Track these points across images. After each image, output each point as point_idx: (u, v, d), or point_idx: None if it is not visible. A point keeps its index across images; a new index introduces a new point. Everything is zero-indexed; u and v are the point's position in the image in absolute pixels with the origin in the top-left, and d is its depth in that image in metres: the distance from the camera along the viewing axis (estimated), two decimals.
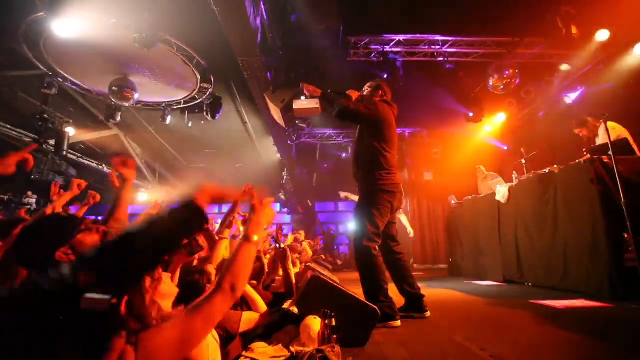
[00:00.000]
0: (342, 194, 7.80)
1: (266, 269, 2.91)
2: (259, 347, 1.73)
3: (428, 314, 2.81)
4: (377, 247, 2.74)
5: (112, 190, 1.87)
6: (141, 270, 0.83)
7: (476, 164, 8.67)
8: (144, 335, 0.83)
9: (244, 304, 2.03)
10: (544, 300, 3.22)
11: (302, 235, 7.83)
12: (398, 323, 2.59)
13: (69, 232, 1.26)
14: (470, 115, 7.67)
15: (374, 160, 2.86)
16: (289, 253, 2.85)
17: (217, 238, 2.53)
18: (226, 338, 1.64)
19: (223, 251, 2.44)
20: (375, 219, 2.74)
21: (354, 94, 3.11)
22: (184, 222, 0.89)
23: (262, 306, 1.85)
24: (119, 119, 7.85)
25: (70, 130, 8.41)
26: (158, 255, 0.85)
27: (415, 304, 2.85)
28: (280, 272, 3.06)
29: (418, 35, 6.20)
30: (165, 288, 1.46)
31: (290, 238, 6.94)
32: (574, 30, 5.23)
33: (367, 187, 2.86)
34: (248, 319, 1.70)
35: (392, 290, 2.76)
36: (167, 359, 0.86)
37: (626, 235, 3.01)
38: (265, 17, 5.16)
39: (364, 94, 3.18)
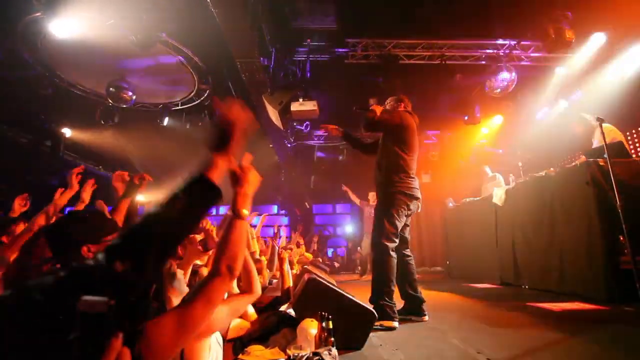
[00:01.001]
0: (344, 187, 8.06)
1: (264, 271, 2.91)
2: (256, 350, 1.73)
3: (426, 318, 2.86)
4: (394, 247, 2.83)
5: (107, 192, 1.86)
6: (167, 253, 0.83)
7: (474, 166, 8.72)
8: (148, 325, 0.83)
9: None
10: (540, 302, 3.23)
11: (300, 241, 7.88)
12: (395, 325, 2.63)
13: (104, 234, 1.29)
14: (468, 118, 7.70)
15: (395, 164, 2.99)
16: (285, 256, 2.85)
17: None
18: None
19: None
20: (394, 219, 2.85)
21: (377, 108, 3.25)
22: (200, 197, 0.87)
23: (253, 316, 1.83)
24: (116, 120, 7.82)
25: (66, 131, 8.38)
26: (181, 236, 0.85)
27: (414, 307, 2.91)
28: (278, 274, 3.05)
29: (416, 38, 6.22)
30: (179, 285, 1.46)
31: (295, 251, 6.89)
32: (570, 34, 5.27)
33: (387, 189, 2.97)
34: (237, 326, 1.69)
35: (396, 292, 2.80)
36: (169, 346, 0.85)
37: (621, 238, 3.02)
38: (263, 19, 5.17)
39: (387, 107, 3.34)
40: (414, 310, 2.90)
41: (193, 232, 0.84)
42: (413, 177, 3.01)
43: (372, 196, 7.04)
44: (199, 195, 0.87)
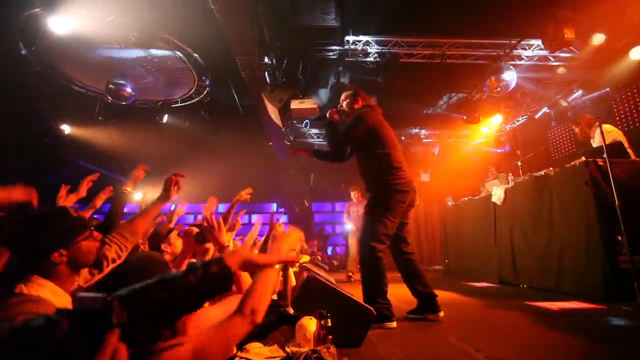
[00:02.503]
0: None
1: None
2: (255, 347, 1.73)
3: (441, 313, 2.75)
4: (383, 248, 2.70)
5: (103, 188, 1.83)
6: (157, 324, 0.77)
7: (473, 165, 8.74)
8: (163, 349, 0.84)
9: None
10: (538, 301, 3.24)
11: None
12: (394, 324, 2.59)
13: (74, 236, 1.21)
14: (468, 117, 7.70)
15: (379, 163, 2.83)
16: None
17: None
18: None
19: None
20: (385, 220, 2.69)
21: (334, 114, 3.09)
22: (213, 279, 0.84)
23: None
24: (115, 117, 7.81)
25: (65, 128, 8.36)
26: (178, 314, 0.80)
27: (428, 303, 2.79)
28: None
29: (416, 37, 6.21)
30: None
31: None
32: (570, 34, 5.27)
33: (378, 186, 2.81)
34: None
35: (395, 293, 2.75)
36: None
37: (620, 238, 3.03)
38: (263, 16, 5.15)
39: (343, 107, 3.13)
40: (427, 307, 2.79)
41: (190, 312, 0.84)
42: (403, 170, 2.82)
43: (354, 195, 6.79)
44: (213, 276, 0.84)
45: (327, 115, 3.10)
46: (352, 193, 6.84)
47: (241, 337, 1.03)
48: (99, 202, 2.37)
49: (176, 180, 1.77)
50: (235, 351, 1.66)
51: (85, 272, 1.43)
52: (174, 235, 2.35)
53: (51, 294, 1.12)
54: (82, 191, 2.30)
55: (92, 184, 2.34)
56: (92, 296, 0.68)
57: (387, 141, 2.88)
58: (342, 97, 3.17)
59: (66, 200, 2.25)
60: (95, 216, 2.64)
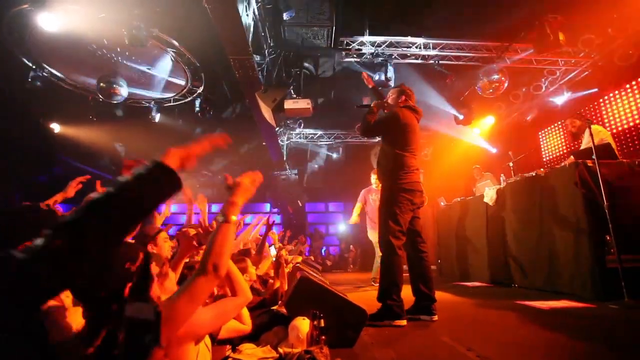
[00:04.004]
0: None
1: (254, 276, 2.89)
2: (247, 348, 1.72)
3: (435, 318, 2.78)
4: (401, 245, 2.82)
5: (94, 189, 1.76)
6: (114, 237, 0.74)
7: (466, 166, 8.80)
8: None
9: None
10: (529, 301, 3.28)
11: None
12: (404, 322, 2.64)
13: (41, 227, 1.18)
14: (460, 118, 7.78)
15: (394, 162, 2.99)
16: (283, 262, 2.83)
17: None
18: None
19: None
20: (397, 217, 2.84)
21: (380, 105, 3.28)
22: (155, 182, 0.80)
23: (247, 321, 1.81)
24: (106, 115, 7.71)
25: (55, 127, 8.22)
26: (131, 221, 0.77)
27: (425, 305, 2.85)
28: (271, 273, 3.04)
29: (410, 38, 6.25)
30: (169, 284, 1.44)
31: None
32: (561, 36, 5.35)
33: (387, 187, 2.99)
34: (230, 327, 1.67)
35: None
36: None
37: (608, 237, 3.09)
38: (257, 15, 5.13)
39: (388, 101, 3.32)
40: (424, 309, 2.83)
41: (147, 217, 0.80)
42: (413, 172, 2.98)
43: (375, 180, 5.50)
44: (154, 180, 0.81)
45: (372, 104, 3.30)
46: (373, 177, 5.58)
47: (208, 293, 1.03)
48: (71, 191, 2.30)
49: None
50: (227, 350, 1.65)
51: None
52: (162, 236, 2.31)
53: None
54: (70, 191, 2.23)
55: (82, 185, 2.28)
56: (143, 306, 0.68)
57: (409, 145, 3.03)
58: (390, 92, 3.38)
59: (53, 199, 2.18)
60: None
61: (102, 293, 0.92)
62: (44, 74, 6.65)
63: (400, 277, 2.77)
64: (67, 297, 1.27)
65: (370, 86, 3.55)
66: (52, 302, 1.26)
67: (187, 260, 2.05)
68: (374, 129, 3.23)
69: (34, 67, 6.41)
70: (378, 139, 3.44)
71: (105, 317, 0.86)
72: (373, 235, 5.34)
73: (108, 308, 0.87)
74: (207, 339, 1.41)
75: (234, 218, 1.14)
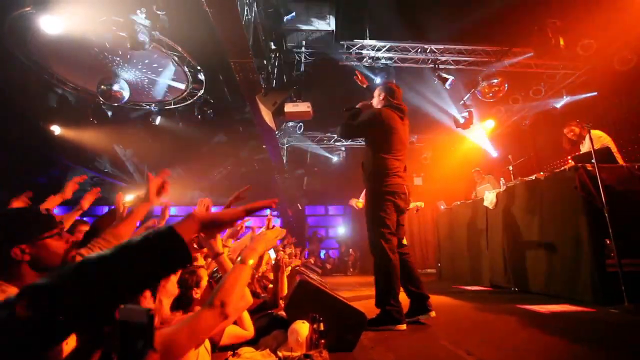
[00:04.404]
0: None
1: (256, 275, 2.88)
2: (246, 351, 1.71)
3: (433, 314, 2.78)
4: (394, 247, 2.78)
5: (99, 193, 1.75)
6: (102, 312, 0.64)
7: (465, 169, 8.81)
8: None
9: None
10: (529, 305, 3.27)
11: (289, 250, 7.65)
12: (404, 327, 2.61)
13: (39, 231, 1.13)
14: (460, 122, 7.80)
15: (376, 165, 2.92)
16: (283, 264, 2.83)
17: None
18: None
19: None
20: (384, 220, 2.79)
21: (365, 106, 3.21)
22: (162, 256, 0.69)
23: (249, 327, 1.81)
24: (107, 117, 7.73)
25: (55, 129, 8.24)
26: (125, 294, 0.66)
27: (419, 304, 2.84)
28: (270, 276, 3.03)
29: (410, 42, 6.28)
30: (170, 287, 1.44)
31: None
32: (560, 41, 5.38)
33: (371, 190, 2.93)
34: (232, 333, 1.67)
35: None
36: None
37: (608, 241, 3.08)
38: (258, 19, 5.16)
39: (373, 100, 3.25)
40: (419, 308, 2.83)
41: (141, 293, 0.73)
42: (396, 175, 2.89)
43: None
44: (162, 252, 0.70)
45: (358, 105, 3.23)
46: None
47: (211, 329, 1.02)
48: (86, 203, 2.29)
49: (161, 182, 1.60)
50: (228, 355, 1.64)
51: None
52: None
53: None
54: (68, 192, 2.20)
55: (79, 186, 2.26)
56: (135, 308, 0.64)
57: (391, 146, 2.94)
58: (376, 90, 3.28)
59: (48, 203, 2.14)
60: (84, 219, 2.58)
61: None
62: (45, 76, 6.66)
63: (396, 281, 2.72)
64: None
65: (364, 86, 3.50)
66: None
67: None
68: (354, 131, 3.14)
69: (35, 69, 6.42)
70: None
71: (98, 340, 0.84)
72: None
73: (100, 331, 0.85)
74: (207, 343, 1.40)
75: (250, 262, 1.16)
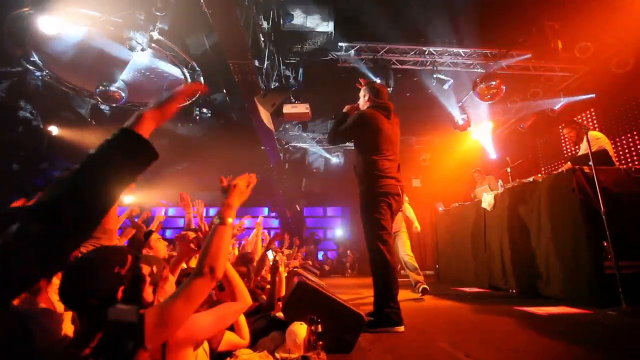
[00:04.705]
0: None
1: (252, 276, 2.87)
2: (244, 353, 1.70)
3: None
4: (390, 249, 2.76)
5: None
6: (92, 218, 0.70)
7: (464, 171, 8.82)
8: None
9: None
10: (527, 307, 3.27)
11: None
12: (402, 329, 2.60)
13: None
14: (458, 124, 7.82)
15: (366, 167, 2.90)
16: (279, 266, 2.82)
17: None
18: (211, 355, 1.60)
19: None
20: (380, 222, 2.77)
21: (351, 109, 3.20)
22: (128, 155, 0.74)
23: (246, 336, 1.81)
24: (105, 118, 7.71)
25: (53, 129, 8.21)
26: (106, 200, 0.72)
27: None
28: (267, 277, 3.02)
29: (408, 44, 6.30)
30: (169, 288, 1.43)
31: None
32: (558, 44, 5.41)
33: (365, 192, 2.90)
34: (229, 340, 1.67)
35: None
36: (151, 342, 0.86)
37: (605, 243, 3.09)
38: (257, 20, 5.17)
39: (359, 102, 3.23)
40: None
41: (122, 193, 0.77)
42: (388, 176, 2.87)
43: None
44: (128, 149, 0.75)
45: (345, 109, 3.22)
46: None
47: (204, 295, 1.03)
48: None
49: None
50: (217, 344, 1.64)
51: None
52: (154, 237, 2.30)
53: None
54: None
55: None
56: (125, 308, 0.67)
57: (379, 147, 2.91)
58: (362, 90, 3.25)
59: None
60: None
61: (94, 301, 0.92)
62: (43, 76, 6.64)
63: (394, 283, 2.70)
64: (59, 301, 1.26)
65: None
66: (42, 305, 1.25)
67: (184, 267, 2.04)
68: (340, 136, 3.11)
69: (33, 69, 6.40)
70: None
71: (99, 323, 0.85)
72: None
73: (101, 314, 0.86)
74: (206, 345, 1.40)
75: (230, 220, 1.15)
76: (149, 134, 0.80)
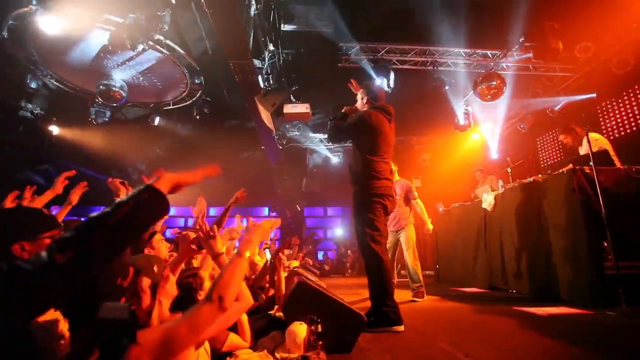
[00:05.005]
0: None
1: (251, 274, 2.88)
2: (244, 353, 1.71)
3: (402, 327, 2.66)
4: (383, 249, 2.77)
5: (95, 192, 1.79)
6: (113, 252, 0.82)
7: (464, 171, 8.82)
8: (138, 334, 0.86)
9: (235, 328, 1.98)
10: (527, 307, 3.27)
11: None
12: (401, 328, 2.60)
13: (40, 230, 1.17)
14: (459, 124, 7.82)
15: (364, 167, 2.91)
16: (279, 266, 2.82)
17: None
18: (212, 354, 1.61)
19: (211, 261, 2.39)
20: (374, 223, 2.78)
21: (349, 110, 3.22)
22: (147, 205, 0.87)
23: (248, 338, 1.82)
24: (106, 118, 7.71)
25: (54, 129, 8.22)
26: (126, 238, 0.84)
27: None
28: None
29: (409, 44, 6.30)
30: (170, 288, 1.44)
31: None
32: (559, 44, 5.41)
33: (359, 192, 2.92)
34: (233, 341, 1.67)
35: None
36: None
37: (605, 244, 3.09)
38: (257, 20, 5.17)
39: (357, 105, 3.25)
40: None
41: (137, 239, 0.89)
42: (383, 179, 2.90)
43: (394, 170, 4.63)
44: (145, 201, 0.87)
45: (344, 110, 3.24)
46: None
47: (210, 323, 1.04)
48: (74, 197, 2.33)
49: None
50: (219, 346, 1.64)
51: None
52: (157, 238, 2.30)
53: None
54: (59, 187, 2.26)
55: (68, 181, 2.30)
56: (117, 305, 0.70)
57: (379, 149, 2.94)
58: (360, 92, 3.28)
59: (40, 199, 2.19)
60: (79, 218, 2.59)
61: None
62: (44, 76, 6.65)
63: (390, 281, 2.71)
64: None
65: (357, 92, 3.42)
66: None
67: (184, 267, 2.04)
68: (343, 133, 3.16)
69: (34, 69, 6.41)
70: None
71: (95, 339, 0.86)
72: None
73: (96, 329, 0.87)
74: (207, 345, 1.40)
75: (247, 254, 1.18)
76: (167, 192, 0.94)
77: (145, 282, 1.17)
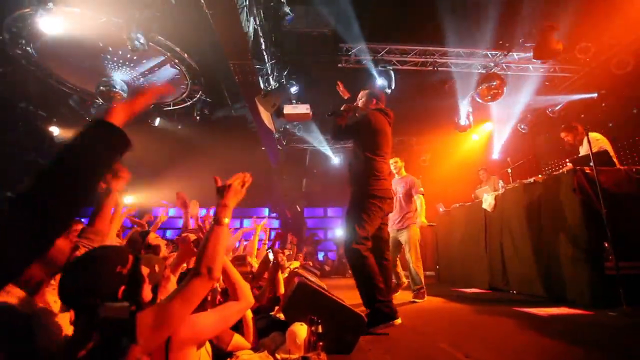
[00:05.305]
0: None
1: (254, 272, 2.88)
2: (245, 353, 1.70)
3: (398, 321, 2.69)
4: (366, 250, 2.74)
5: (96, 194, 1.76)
6: (75, 204, 0.73)
7: (464, 172, 8.81)
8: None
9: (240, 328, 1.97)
10: (527, 307, 3.27)
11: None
12: (399, 321, 2.59)
13: None
14: (459, 124, 7.81)
15: (364, 166, 2.92)
16: (279, 267, 2.81)
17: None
18: (214, 355, 1.61)
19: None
20: (364, 224, 2.77)
21: (349, 108, 3.23)
22: (99, 141, 0.79)
23: (251, 341, 1.82)
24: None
25: (54, 130, 8.22)
26: (85, 187, 0.75)
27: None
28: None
29: (409, 45, 6.30)
30: (170, 287, 1.44)
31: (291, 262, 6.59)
32: (559, 44, 5.41)
33: (357, 191, 2.92)
34: (238, 342, 1.68)
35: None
36: (149, 341, 0.87)
37: (606, 244, 3.09)
38: (258, 21, 5.17)
39: (358, 104, 3.27)
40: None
41: (100, 178, 0.83)
42: (384, 179, 2.92)
43: (395, 163, 4.71)
44: (98, 137, 0.80)
45: (343, 107, 3.24)
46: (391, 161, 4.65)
47: (202, 295, 1.04)
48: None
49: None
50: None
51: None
52: (152, 237, 2.30)
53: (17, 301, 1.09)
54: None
55: None
56: (117, 306, 0.69)
57: (380, 149, 2.97)
58: (360, 94, 3.32)
59: None
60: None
61: (95, 300, 0.91)
62: (45, 76, 6.65)
63: (376, 277, 2.69)
64: (55, 302, 1.27)
65: (345, 97, 3.48)
66: (40, 305, 1.25)
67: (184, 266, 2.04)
68: (345, 132, 3.16)
69: (34, 69, 6.41)
70: None
71: (93, 328, 0.86)
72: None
73: (94, 319, 0.86)
74: (208, 346, 1.40)
75: (226, 220, 1.16)
76: (122, 124, 0.87)
77: (144, 270, 1.17)
